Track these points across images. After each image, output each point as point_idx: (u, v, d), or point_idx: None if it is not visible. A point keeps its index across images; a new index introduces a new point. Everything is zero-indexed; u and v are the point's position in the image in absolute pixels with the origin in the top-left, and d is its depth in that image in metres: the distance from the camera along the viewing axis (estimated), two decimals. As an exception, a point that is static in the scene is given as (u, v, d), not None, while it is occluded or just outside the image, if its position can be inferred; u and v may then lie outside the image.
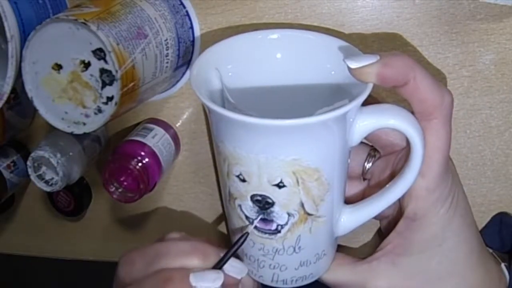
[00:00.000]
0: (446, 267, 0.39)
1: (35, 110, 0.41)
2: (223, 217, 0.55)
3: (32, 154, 0.49)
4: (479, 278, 0.40)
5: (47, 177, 0.50)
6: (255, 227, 0.37)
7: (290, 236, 0.37)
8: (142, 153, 0.48)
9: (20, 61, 0.39)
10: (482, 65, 0.45)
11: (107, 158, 0.49)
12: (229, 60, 0.41)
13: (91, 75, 0.38)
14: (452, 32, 0.44)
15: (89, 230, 0.61)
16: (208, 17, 0.48)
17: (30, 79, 0.40)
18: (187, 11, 0.47)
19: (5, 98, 0.40)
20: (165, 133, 0.51)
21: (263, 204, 0.36)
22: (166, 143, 0.50)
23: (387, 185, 0.39)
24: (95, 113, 0.40)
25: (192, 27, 0.47)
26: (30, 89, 0.40)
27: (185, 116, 0.52)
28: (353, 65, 0.34)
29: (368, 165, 0.43)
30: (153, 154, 0.49)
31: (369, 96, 0.34)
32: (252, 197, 0.36)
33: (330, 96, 0.39)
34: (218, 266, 0.37)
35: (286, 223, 0.37)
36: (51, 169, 0.49)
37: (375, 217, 0.41)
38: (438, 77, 0.45)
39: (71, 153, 0.50)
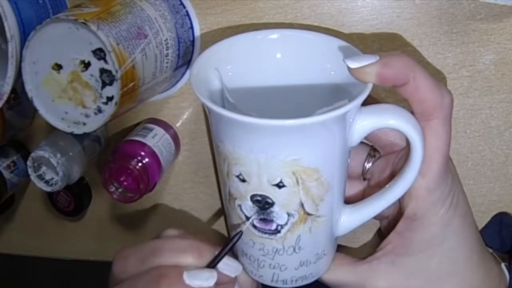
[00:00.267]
0: (446, 267, 0.39)
1: (35, 110, 0.41)
2: (223, 217, 0.55)
3: (32, 154, 0.49)
4: (479, 278, 0.40)
5: (47, 177, 0.50)
6: (256, 227, 0.37)
7: (290, 236, 0.37)
8: (142, 153, 0.48)
9: (20, 61, 0.39)
10: (482, 65, 0.45)
11: (107, 158, 0.49)
12: (229, 60, 0.41)
13: (91, 75, 0.38)
14: (452, 32, 0.44)
15: (89, 230, 0.61)
16: (208, 17, 0.48)
17: (30, 79, 0.40)
18: (187, 11, 0.47)
19: (5, 98, 0.40)
20: (165, 133, 0.51)
21: (263, 204, 0.36)
22: (166, 143, 0.50)
23: (387, 185, 0.39)
24: (95, 113, 0.40)
25: (192, 27, 0.47)
26: (30, 89, 0.40)
27: (185, 116, 0.52)
28: (353, 65, 0.34)
29: (368, 165, 0.43)
30: (153, 154, 0.49)
31: (369, 96, 0.34)
32: (252, 197, 0.36)
33: (330, 96, 0.39)
34: (212, 264, 0.37)
35: (286, 223, 0.37)
36: (51, 169, 0.49)
37: (375, 217, 0.41)
38: (438, 77, 0.45)
39: (71, 153, 0.50)
